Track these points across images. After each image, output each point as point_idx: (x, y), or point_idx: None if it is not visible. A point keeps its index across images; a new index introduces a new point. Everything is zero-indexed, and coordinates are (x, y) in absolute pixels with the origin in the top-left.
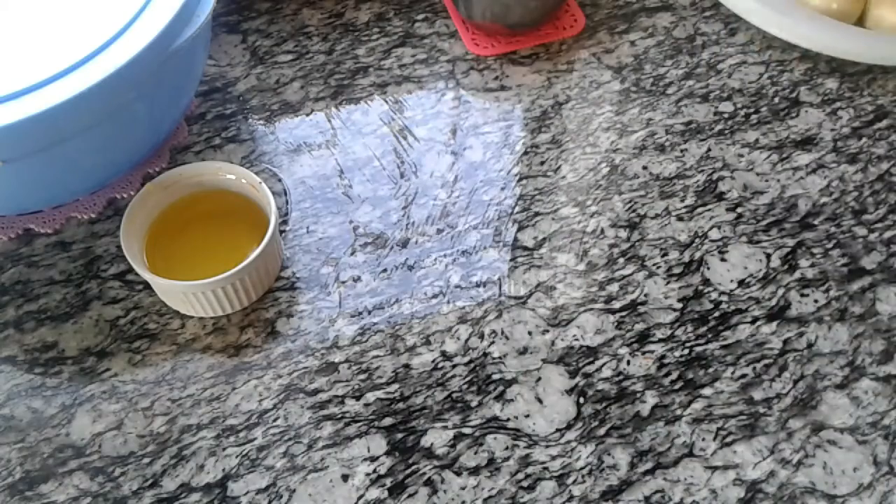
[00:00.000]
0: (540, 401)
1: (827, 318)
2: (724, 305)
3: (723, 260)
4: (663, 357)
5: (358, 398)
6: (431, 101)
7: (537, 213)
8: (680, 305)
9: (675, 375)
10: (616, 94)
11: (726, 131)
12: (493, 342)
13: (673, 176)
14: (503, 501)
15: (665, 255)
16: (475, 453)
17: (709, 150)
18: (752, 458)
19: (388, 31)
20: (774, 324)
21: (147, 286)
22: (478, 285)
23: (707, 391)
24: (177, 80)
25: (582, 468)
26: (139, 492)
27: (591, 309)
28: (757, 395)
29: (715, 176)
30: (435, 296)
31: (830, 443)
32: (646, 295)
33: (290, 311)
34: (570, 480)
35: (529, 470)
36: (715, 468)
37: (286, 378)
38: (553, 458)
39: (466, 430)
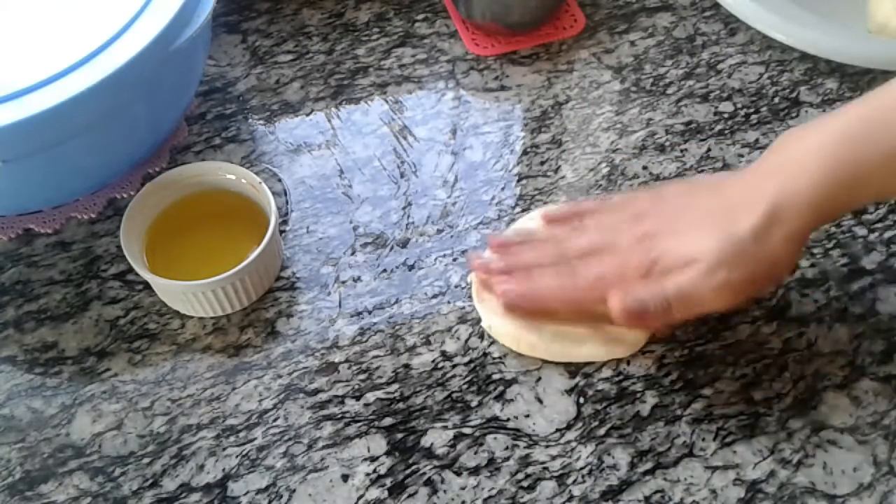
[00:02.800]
0: (540, 401)
1: (827, 318)
2: None
3: None
4: (663, 357)
5: (358, 398)
6: (431, 101)
7: None
8: None
9: (675, 375)
10: (616, 94)
11: (726, 131)
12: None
13: (673, 176)
14: (503, 501)
15: None
16: (475, 453)
17: (709, 150)
18: (752, 458)
19: (388, 31)
20: (774, 324)
21: (147, 286)
22: None
23: (707, 391)
24: (177, 80)
25: (582, 468)
26: (139, 492)
27: None
28: (757, 395)
29: None
30: (435, 296)
31: (830, 443)
32: None
33: (290, 311)
34: (570, 480)
35: (529, 470)
36: (715, 468)
37: (286, 378)
38: (553, 458)
39: (466, 430)
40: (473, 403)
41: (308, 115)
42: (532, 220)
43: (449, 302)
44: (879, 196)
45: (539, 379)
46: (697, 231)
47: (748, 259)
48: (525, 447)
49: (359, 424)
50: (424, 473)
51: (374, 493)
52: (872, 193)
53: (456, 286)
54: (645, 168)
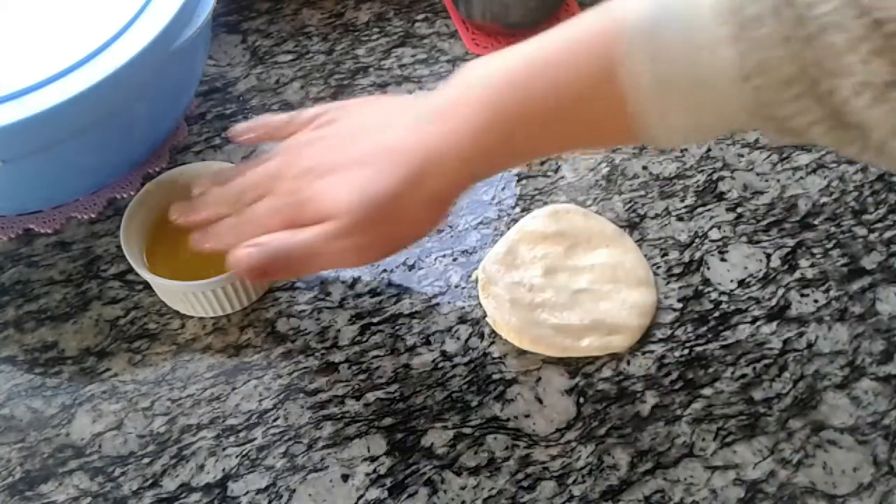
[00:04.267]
0: (540, 401)
1: (827, 318)
2: (724, 305)
3: (723, 260)
4: (663, 357)
5: (358, 398)
6: None
7: None
8: (680, 305)
9: (675, 375)
10: None
11: None
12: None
13: (673, 176)
14: (503, 501)
15: (665, 255)
16: (475, 453)
17: (709, 149)
18: (752, 458)
19: (388, 31)
20: (774, 324)
21: (147, 286)
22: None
23: (707, 391)
24: (177, 80)
25: (582, 468)
26: (139, 492)
27: None
28: (757, 395)
29: (715, 176)
30: (435, 296)
31: (830, 443)
32: None
33: (290, 311)
34: (570, 480)
35: (529, 470)
36: (715, 468)
37: (286, 378)
38: (553, 458)
39: (466, 430)
40: (473, 403)
41: None
42: (535, 219)
43: (449, 302)
44: (526, 155)
45: (539, 379)
46: (352, 174)
47: (385, 221)
48: (525, 447)
49: (359, 424)
50: (424, 473)
51: (374, 493)
52: (520, 152)
53: (456, 286)
54: (645, 168)
